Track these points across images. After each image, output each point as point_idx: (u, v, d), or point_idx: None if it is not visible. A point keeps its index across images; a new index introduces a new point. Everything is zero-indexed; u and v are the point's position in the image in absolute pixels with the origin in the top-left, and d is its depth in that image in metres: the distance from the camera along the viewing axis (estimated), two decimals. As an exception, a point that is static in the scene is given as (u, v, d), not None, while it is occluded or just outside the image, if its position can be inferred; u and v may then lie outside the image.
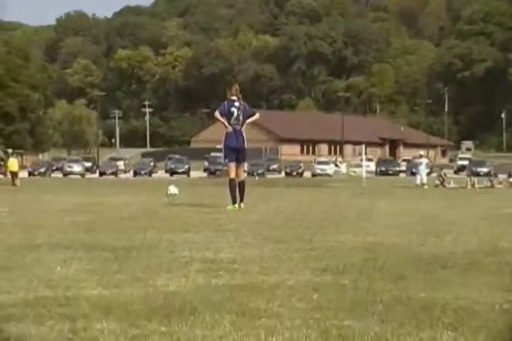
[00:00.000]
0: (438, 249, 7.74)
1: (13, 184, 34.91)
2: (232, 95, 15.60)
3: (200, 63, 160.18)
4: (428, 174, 40.02)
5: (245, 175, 18.45)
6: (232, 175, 15.49)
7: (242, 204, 15.04)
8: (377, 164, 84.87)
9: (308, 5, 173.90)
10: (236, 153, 15.68)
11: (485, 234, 9.62)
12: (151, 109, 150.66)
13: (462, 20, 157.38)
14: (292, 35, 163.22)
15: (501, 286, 5.35)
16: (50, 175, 70.75)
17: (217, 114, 15.72)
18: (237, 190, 15.24)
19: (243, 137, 15.68)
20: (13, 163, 40.05)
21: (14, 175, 38.28)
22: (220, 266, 6.38)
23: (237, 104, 15.51)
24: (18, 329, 3.94)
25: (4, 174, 63.99)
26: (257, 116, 16.09)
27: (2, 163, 69.67)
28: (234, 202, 15.00)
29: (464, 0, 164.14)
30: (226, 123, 15.45)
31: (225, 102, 15.65)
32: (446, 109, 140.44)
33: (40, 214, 13.30)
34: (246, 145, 15.82)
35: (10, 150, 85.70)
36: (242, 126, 15.61)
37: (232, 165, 15.60)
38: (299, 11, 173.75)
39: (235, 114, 15.47)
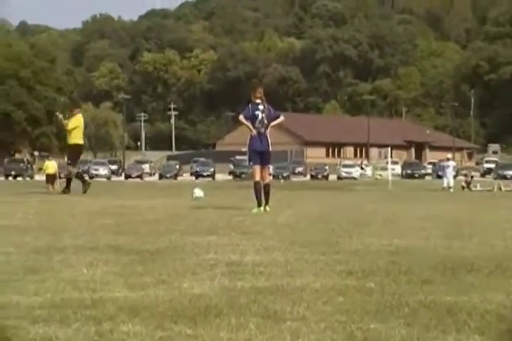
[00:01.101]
0: (464, 253, 7.71)
1: (52, 187, 34.50)
2: (256, 98, 15.60)
3: (225, 66, 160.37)
4: (454, 177, 39.85)
5: (271, 178, 18.43)
6: (257, 178, 15.48)
7: (267, 207, 15.04)
8: (403, 167, 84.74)
9: (333, 8, 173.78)
10: (261, 156, 15.66)
11: (511, 237, 9.57)
12: (176, 112, 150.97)
13: (489, 22, 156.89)
14: (317, 37, 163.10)
15: (528, 290, 5.33)
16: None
17: (241, 117, 15.73)
18: (262, 192, 15.24)
19: (268, 140, 15.67)
20: (49, 166, 39.79)
21: (51, 178, 37.81)
22: (246, 268, 6.39)
23: (261, 106, 15.50)
24: (44, 331, 3.96)
25: (31, 177, 64.27)
26: (281, 118, 16.06)
27: (29, 165, 70.00)
28: (259, 205, 14.99)
29: (490, 1, 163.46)
30: (251, 127, 15.46)
31: (249, 105, 15.65)
32: (472, 112, 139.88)
33: (66, 217, 13.35)
34: (271, 148, 15.79)
35: (36, 153, 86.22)
36: (267, 129, 15.61)
37: (257, 168, 15.60)
38: (324, 13, 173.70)
39: (260, 117, 15.47)
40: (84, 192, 23.36)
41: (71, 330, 3.99)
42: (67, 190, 23.64)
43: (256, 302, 4.77)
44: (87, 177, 25.06)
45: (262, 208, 14.95)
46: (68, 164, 25.02)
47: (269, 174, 17.16)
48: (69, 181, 24.11)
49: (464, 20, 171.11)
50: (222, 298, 4.92)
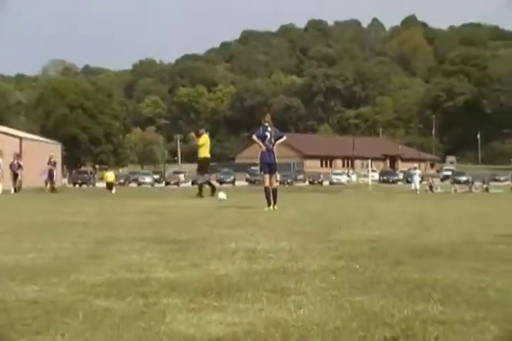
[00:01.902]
0: (428, 241, 7.70)
1: (110, 191, 34.82)
2: (265, 122, 15.75)
3: (242, 97, 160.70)
4: (420, 182, 39.77)
5: (277, 183, 18.49)
6: (267, 183, 15.57)
7: (275, 207, 15.09)
8: (380, 174, 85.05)
9: (325, 52, 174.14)
10: (269, 166, 15.78)
11: (464, 228, 9.55)
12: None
13: (446, 62, 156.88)
14: (313, 75, 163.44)
15: (478, 269, 5.32)
16: (128, 185, 71.16)
17: (254, 136, 15.86)
18: (271, 195, 15.30)
19: (274, 154, 15.80)
20: (108, 176, 40.21)
21: (110, 185, 38.31)
22: (259, 254, 6.38)
23: (269, 128, 15.64)
24: (103, 304, 3.97)
25: (93, 184, 64.45)
26: (284, 138, 16.17)
27: (91, 176, 70.19)
28: (269, 205, 15.07)
29: (447, 46, 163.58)
30: (261, 144, 15.59)
31: (260, 127, 15.78)
32: (434, 132, 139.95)
33: (120, 215, 13.38)
34: (277, 161, 15.94)
35: (97, 166, 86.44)
36: (274, 145, 15.72)
37: (267, 176, 15.71)
38: (318, 56, 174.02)
39: (268, 136, 15.59)
40: (212, 194, 22.70)
41: (124, 303, 3.99)
42: (199, 195, 22.92)
43: (267, 281, 4.77)
44: (215, 184, 24.15)
45: (271, 207, 15.01)
46: (198, 173, 24.52)
47: (276, 180, 17.16)
48: (201, 188, 23.36)
49: (427, 61, 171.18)
50: (241, 277, 4.92)
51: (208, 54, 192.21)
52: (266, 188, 15.56)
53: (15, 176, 32.78)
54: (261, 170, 16.29)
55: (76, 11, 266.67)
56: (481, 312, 3.73)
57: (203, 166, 23.99)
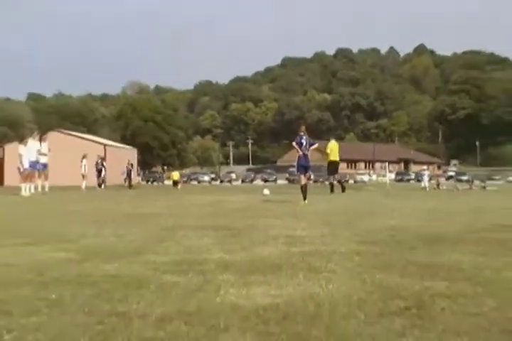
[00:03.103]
0: (436, 229, 7.60)
1: (176, 188, 35.14)
2: (301, 132, 15.85)
3: (283, 112, 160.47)
4: (428, 181, 39.25)
5: (310, 182, 18.66)
6: (303, 182, 15.59)
7: (306, 201, 15.03)
8: (396, 174, 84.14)
9: (351, 74, 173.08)
10: (304, 168, 15.81)
11: (467, 219, 9.41)
12: (252, 141, 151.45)
13: (450, 83, 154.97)
14: (341, 93, 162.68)
15: (478, 252, 5.24)
16: (189, 183, 71.62)
17: (294, 143, 15.93)
18: (305, 191, 15.30)
19: (308, 158, 15.83)
20: (174, 175, 40.49)
21: (176, 182, 38.65)
22: (296, 239, 6.37)
23: (304, 137, 15.69)
24: (171, 279, 4.00)
25: (162, 182, 64.93)
26: (316, 145, 16.25)
27: (161, 175, 70.73)
28: (304, 199, 15.03)
29: (451, 69, 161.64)
30: (299, 149, 15.60)
31: (298, 136, 15.81)
32: (440, 139, 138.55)
33: (185, 207, 13.46)
34: (310, 164, 16.05)
35: (165, 167, 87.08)
36: (308, 151, 15.74)
37: (302, 176, 15.77)
38: (345, 78, 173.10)
39: (304, 143, 15.63)
40: (343, 191, 22.14)
41: (187, 278, 4.02)
42: (332, 191, 21.96)
43: (303, 261, 4.76)
44: (344, 182, 23.30)
45: (306, 201, 14.96)
46: (328, 174, 23.62)
47: (309, 179, 17.27)
48: (332, 185, 22.44)
49: (434, 82, 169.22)
50: (282, 258, 4.91)
51: (254, 76, 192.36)
52: (301, 186, 15.59)
53: (99, 174, 33.21)
54: (297, 170, 16.31)
55: (149, 41, 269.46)
56: (479, 288, 3.68)
57: (333, 168, 23.27)
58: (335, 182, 23.14)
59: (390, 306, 3.22)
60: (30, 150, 20.93)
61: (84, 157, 30.73)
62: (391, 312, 3.11)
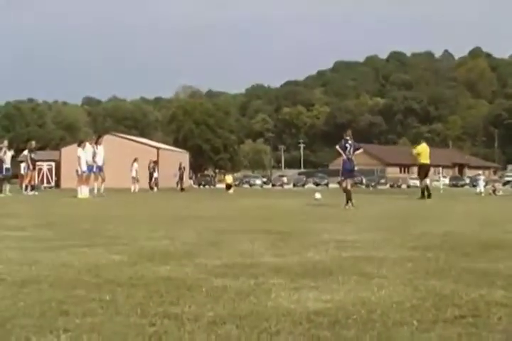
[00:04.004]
0: (492, 236, 7.44)
1: (228, 191, 34.62)
2: (346, 136, 15.87)
3: (334, 115, 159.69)
4: (484, 186, 38.45)
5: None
6: (345, 185, 15.69)
7: (350, 204, 14.90)
8: (450, 180, 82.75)
9: (404, 78, 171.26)
10: (349, 172, 15.95)
11: (524, 226, 9.18)
12: (304, 145, 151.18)
13: (507, 86, 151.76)
14: (394, 97, 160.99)
15: (536, 261, 5.10)
16: (241, 186, 71.87)
17: (337, 147, 16.08)
18: (350, 195, 15.24)
19: (353, 162, 15.86)
20: (227, 178, 40.24)
21: (229, 185, 38.04)
22: (348, 244, 6.33)
23: (350, 141, 15.76)
24: (222, 282, 4.02)
25: (214, 185, 65.32)
26: (361, 150, 16.48)
27: (212, 178, 71.17)
28: (347, 203, 14.92)
29: (508, 73, 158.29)
30: (343, 153, 15.61)
31: (343, 140, 15.87)
32: (496, 144, 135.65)
33: (236, 211, 13.52)
34: (356, 168, 16.15)
35: (217, 171, 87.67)
36: (352, 155, 15.75)
37: (347, 180, 15.85)
38: (398, 81, 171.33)
39: (348, 148, 15.69)
40: (428, 197, 21.50)
41: (238, 282, 4.03)
42: (422, 197, 21.50)
43: (354, 266, 4.73)
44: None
45: (350, 204, 14.83)
46: (419, 178, 23.18)
47: (355, 183, 17.35)
48: (423, 191, 21.97)
49: (490, 85, 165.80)
50: (333, 263, 4.88)
51: (306, 80, 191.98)
52: (344, 190, 15.59)
53: (151, 177, 33.72)
54: (342, 175, 16.32)
55: (203, 45, 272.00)
56: (538, 298, 3.58)
57: (424, 171, 22.79)
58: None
59: (444, 314, 3.16)
60: (87, 154, 21.38)
61: (135, 161, 31.20)
62: (445, 320, 3.06)
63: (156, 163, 36.68)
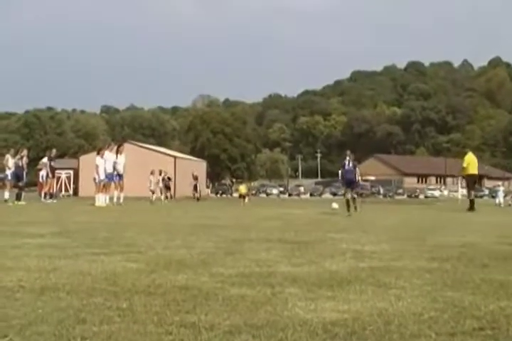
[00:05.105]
0: (510, 247, 7.37)
1: (243, 202, 33.81)
2: (346, 156, 17.46)
3: (351, 125, 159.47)
4: (503, 197, 38.12)
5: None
6: (348, 197, 16.90)
7: (354, 210, 16.46)
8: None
9: (422, 88, 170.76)
10: (350, 183, 17.30)
11: (543, 237, 9.08)
12: (321, 154, 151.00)
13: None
14: (412, 107, 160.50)
15: (555, 273, 5.05)
16: (258, 195, 71.90)
17: (339, 171, 17.76)
18: (351, 204, 16.65)
19: (353, 174, 17.25)
20: (241, 188, 39.59)
21: (242, 195, 37.03)
22: (365, 254, 6.30)
23: (347, 159, 17.34)
24: (238, 291, 4.02)
25: (231, 194, 65.36)
26: (358, 170, 17.48)
27: (230, 187, 71.25)
28: (348, 211, 16.08)
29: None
30: (342, 168, 17.44)
31: (343, 160, 17.62)
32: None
33: (253, 220, 13.52)
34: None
35: (234, 180, 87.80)
36: (350, 167, 17.17)
37: (348, 190, 17.10)
38: (416, 92, 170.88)
39: (346, 163, 17.27)
40: (471, 209, 20.80)
41: (255, 291, 4.03)
42: (472, 209, 20.87)
43: (372, 276, 4.70)
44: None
45: (351, 212, 16.01)
46: (468, 189, 22.40)
47: (357, 194, 18.91)
48: (473, 202, 21.25)
49: (510, 95, 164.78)
50: (350, 273, 4.87)
51: (323, 89, 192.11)
52: (347, 201, 16.63)
53: (166, 189, 33.89)
54: (343, 185, 17.93)
55: (220, 55, 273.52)
56: (558, 310, 3.54)
57: (471, 181, 22.35)
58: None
59: (462, 326, 3.14)
60: (107, 162, 21.49)
61: (152, 173, 31.35)
62: (463, 332, 3.03)
63: (169, 178, 36.38)
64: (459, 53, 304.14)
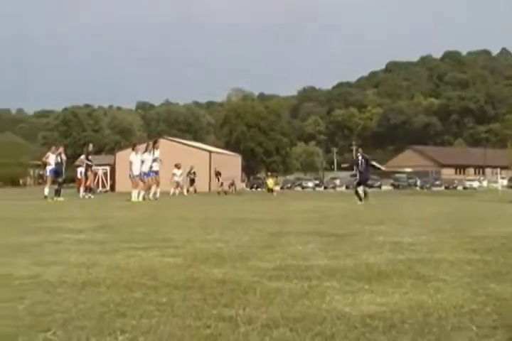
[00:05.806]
0: (552, 238, 7.23)
1: (271, 194, 34.92)
2: (358, 153, 20.11)
3: (387, 117, 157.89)
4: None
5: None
6: (357, 190, 18.98)
7: (362, 201, 18.19)
8: (509, 181, 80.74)
9: (460, 77, 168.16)
10: (364, 181, 19.12)
11: None
12: (356, 146, 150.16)
13: None
14: (449, 97, 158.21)
15: None
16: (293, 188, 71.75)
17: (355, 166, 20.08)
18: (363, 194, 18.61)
19: (366, 172, 19.29)
20: (269, 182, 40.42)
21: (270, 189, 38.44)
22: (403, 246, 6.25)
23: (360, 157, 19.71)
24: (276, 285, 4.02)
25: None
26: (373, 162, 18.62)
27: (264, 180, 71.29)
28: (360, 200, 18.23)
29: None
30: (356, 168, 19.55)
31: (356, 158, 20.09)
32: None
33: (289, 213, 13.51)
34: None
35: (269, 174, 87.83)
36: (364, 168, 19.08)
37: (360, 186, 18.94)
38: (453, 81, 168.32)
39: (359, 163, 19.28)
40: None
41: (292, 284, 4.03)
42: None
43: (410, 269, 4.66)
44: None
45: (362, 202, 18.00)
46: None
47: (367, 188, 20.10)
48: None
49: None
50: (388, 266, 4.83)
51: (358, 81, 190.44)
52: (357, 193, 18.71)
53: (191, 182, 34.48)
54: (357, 182, 19.56)
55: (254, 49, 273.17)
56: None
57: None
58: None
59: (504, 319, 3.09)
60: (143, 159, 21.65)
61: (177, 167, 31.60)
62: (506, 325, 2.98)
63: (195, 173, 36.44)
64: (497, 41, 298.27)
